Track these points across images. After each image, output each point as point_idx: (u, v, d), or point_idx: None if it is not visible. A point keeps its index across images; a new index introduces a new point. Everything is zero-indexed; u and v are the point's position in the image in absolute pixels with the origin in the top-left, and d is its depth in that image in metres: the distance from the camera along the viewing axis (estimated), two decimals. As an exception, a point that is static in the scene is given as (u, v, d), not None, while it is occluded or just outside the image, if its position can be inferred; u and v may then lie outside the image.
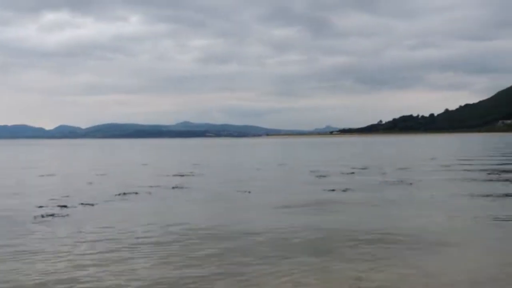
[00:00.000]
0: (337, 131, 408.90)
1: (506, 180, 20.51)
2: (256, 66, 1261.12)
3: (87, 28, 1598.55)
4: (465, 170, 26.28)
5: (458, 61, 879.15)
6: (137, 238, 10.02)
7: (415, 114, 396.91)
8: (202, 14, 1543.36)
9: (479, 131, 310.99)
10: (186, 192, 17.85)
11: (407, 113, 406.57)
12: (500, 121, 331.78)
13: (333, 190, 17.65)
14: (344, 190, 17.55)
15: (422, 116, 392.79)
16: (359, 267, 7.74)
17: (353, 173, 25.50)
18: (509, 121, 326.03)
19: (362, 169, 28.21)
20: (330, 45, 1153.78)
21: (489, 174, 23.43)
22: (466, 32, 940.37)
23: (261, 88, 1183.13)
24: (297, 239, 9.80)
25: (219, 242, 9.54)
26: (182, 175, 25.10)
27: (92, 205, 14.58)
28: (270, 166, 33.09)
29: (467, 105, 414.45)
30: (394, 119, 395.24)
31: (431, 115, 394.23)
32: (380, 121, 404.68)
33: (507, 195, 15.88)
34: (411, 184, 19.46)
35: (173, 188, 19.03)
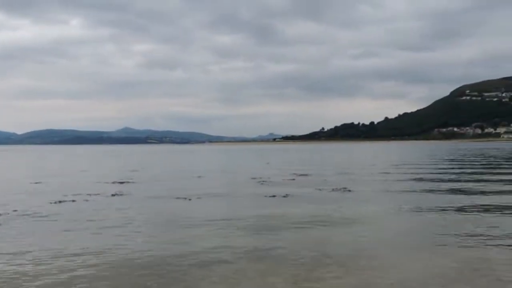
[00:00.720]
0: (280, 138, 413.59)
1: (437, 186, 21.50)
2: (201, 72, 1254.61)
3: (24, 31, 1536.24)
4: (399, 178, 27.29)
5: (398, 71, 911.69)
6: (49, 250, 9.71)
7: (356, 122, 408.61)
8: (145, 19, 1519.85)
9: (416, 139, 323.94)
10: (122, 200, 17.49)
11: (348, 121, 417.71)
12: (436, 130, 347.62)
13: (273, 196, 17.88)
14: (285, 196, 17.80)
15: (363, 124, 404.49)
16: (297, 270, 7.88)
17: (293, 179, 25.88)
18: (444, 130, 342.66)
19: (303, 175, 28.66)
20: (275, 53, 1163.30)
21: (424, 181, 24.42)
22: (406, 43, 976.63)
23: (206, 94, 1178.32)
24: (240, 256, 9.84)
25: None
26: (121, 182, 24.60)
27: (24, 215, 14.00)
28: (212, 173, 32.99)
29: (405, 114, 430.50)
30: (336, 127, 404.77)
31: (372, 123, 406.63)
32: (323, 128, 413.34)
33: (442, 208, 16.60)
34: (350, 191, 19.92)
35: (112, 195, 18.62)
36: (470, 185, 21.78)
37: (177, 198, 17.67)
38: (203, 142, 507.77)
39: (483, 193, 18.41)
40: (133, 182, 24.87)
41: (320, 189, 20.38)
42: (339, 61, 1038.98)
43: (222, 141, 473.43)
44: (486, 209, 14.34)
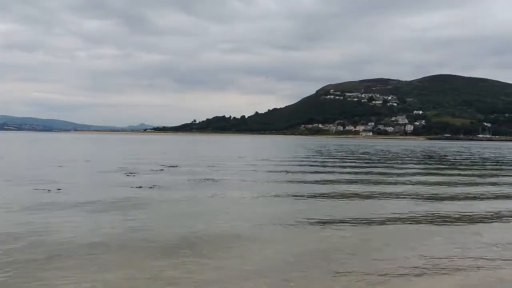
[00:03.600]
0: (151, 129, 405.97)
1: (299, 177, 22.69)
2: (66, 57, 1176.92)
3: None
4: (268, 169, 28.30)
5: (268, 68, 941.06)
6: None
7: (227, 115, 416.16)
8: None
9: (284, 133, 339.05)
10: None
11: (220, 114, 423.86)
12: (302, 126, 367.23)
13: (140, 187, 17.50)
14: (151, 187, 17.52)
15: (234, 118, 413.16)
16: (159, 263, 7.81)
17: (162, 170, 25.57)
18: (310, 126, 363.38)
19: (172, 167, 28.43)
20: (147, 42, 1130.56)
21: (287, 173, 25.54)
22: (276, 42, 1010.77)
23: (71, 81, 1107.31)
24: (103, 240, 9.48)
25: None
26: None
27: None
28: (75, 163, 31.34)
29: (275, 109, 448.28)
30: (208, 119, 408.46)
31: (243, 117, 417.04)
32: (194, 120, 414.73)
33: (297, 194, 17.53)
34: (217, 181, 20.21)
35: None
36: (330, 176, 23.23)
37: (36, 189, 16.51)
38: (68, 130, 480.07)
39: (338, 182, 19.79)
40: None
41: (188, 180, 20.40)
42: (210, 55, 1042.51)
43: (89, 130, 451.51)
44: (344, 195, 15.47)
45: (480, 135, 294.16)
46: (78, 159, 35.69)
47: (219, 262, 8.03)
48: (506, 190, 19.42)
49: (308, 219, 11.83)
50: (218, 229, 10.58)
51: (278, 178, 22.52)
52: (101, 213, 12.20)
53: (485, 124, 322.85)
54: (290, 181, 21.22)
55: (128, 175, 22.36)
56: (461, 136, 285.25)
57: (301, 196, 16.21)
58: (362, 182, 21.39)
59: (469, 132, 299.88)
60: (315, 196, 16.18)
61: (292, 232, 10.56)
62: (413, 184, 20.83)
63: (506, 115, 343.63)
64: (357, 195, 16.57)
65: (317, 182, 21.08)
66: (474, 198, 16.66)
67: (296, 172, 26.05)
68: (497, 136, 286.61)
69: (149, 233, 10.00)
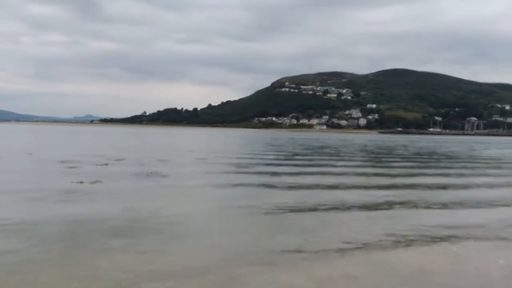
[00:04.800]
0: (98, 121, 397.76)
1: (251, 171, 22.64)
2: (9, 43, 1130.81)
3: None
4: (219, 162, 28.11)
5: (223, 59, 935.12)
6: None
7: (179, 107, 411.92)
8: None
9: (237, 126, 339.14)
10: None
11: (171, 105, 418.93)
12: (256, 118, 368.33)
13: (81, 182, 16.89)
14: (93, 182, 16.95)
15: (186, 110, 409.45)
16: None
17: (107, 164, 24.91)
18: (263, 119, 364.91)
19: (119, 160, 27.79)
20: (97, 30, 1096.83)
21: (237, 167, 25.43)
22: (231, 32, 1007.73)
23: (14, 68, 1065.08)
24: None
25: None
26: None
27: None
28: (13, 155, 30.10)
29: (228, 102, 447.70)
30: (159, 111, 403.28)
31: (195, 109, 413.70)
32: (145, 112, 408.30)
33: (245, 184, 17.45)
34: (165, 175, 19.88)
35: None
36: (280, 168, 23.32)
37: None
38: (8, 120, 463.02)
39: (280, 174, 19.89)
40: None
41: (135, 174, 19.96)
42: (163, 44, 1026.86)
43: (32, 121, 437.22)
44: (292, 187, 15.50)
45: (431, 129, 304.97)
46: (13, 151, 34.30)
47: (159, 255, 7.78)
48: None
49: (257, 208, 12.05)
50: (163, 219, 10.38)
51: (228, 170, 22.40)
52: (39, 203, 11.64)
53: (436, 118, 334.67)
54: (240, 173, 21.14)
55: (69, 169, 21.59)
56: (413, 130, 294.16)
57: (251, 186, 16.16)
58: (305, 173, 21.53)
59: (420, 126, 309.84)
60: (265, 187, 16.20)
61: (240, 224, 10.51)
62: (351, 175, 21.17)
63: (456, 109, 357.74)
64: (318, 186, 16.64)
65: (268, 173, 21.08)
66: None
67: (246, 165, 25.95)
68: (447, 130, 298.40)
69: (86, 227, 9.60)
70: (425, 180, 21.06)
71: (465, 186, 19.34)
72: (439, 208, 13.62)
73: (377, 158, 39.05)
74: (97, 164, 24.45)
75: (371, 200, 14.70)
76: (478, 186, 19.58)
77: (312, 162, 31.29)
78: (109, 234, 9.48)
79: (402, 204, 14.04)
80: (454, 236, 10.09)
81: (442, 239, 9.85)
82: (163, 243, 8.88)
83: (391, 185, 18.92)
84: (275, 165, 27.38)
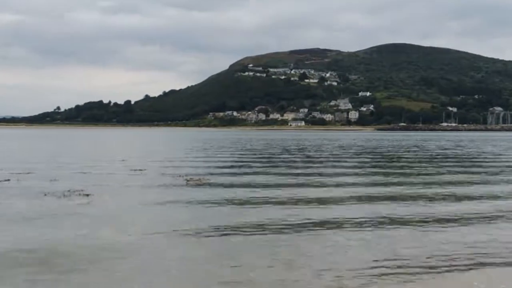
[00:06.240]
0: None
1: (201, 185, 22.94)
2: None
3: None
4: (159, 173, 28.22)
5: (164, 34, 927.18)
6: None
7: (106, 101, 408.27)
8: None
9: (186, 124, 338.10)
10: None
11: (95, 98, 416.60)
12: (211, 114, 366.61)
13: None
14: (-9, 205, 16.94)
15: (116, 104, 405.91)
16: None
17: (8, 180, 24.78)
18: (221, 114, 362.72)
19: (25, 173, 27.68)
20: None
21: (188, 180, 25.64)
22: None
23: None
24: None
25: None
26: None
27: None
28: None
29: (173, 92, 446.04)
30: (78, 106, 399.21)
31: (128, 102, 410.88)
32: (58, 108, 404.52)
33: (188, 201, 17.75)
34: (88, 195, 19.90)
35: None
36: (235, 178, 23.68)
37: None
38: None
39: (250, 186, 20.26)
40: None
41: (45, 194, 19.92)
42: (84, 16, 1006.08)
43: None
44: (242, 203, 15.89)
45: (444, 124, 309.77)
46: None
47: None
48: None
49: (198, 228, 12.62)
50: (84, 243, 10.56)
51: (172, 184, 22.60)
52: None
53: (450, 109, 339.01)
54: (187, 187, 21.39)
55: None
56: (420, 125, 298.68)
57: (195, 202, 16.54)
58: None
59: (429, 120, 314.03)
60: (209, 203, 16.59)
61: (178, 245, 10.84)
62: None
63: (476, 96, 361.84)
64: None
65: (219, 185, 21.46)
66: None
67: (198, 175, 26.21)
68: (465, 125, 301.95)
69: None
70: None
71: None
72: None
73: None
74: (-5, 180, 24.33)
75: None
76: None
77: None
78: (14, 277, 9.61)
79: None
80: None
81: None
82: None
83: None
84: (237, 174, 27.73)
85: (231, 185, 23.44)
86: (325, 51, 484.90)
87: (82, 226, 13.89)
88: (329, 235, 13.18)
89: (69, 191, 20.65)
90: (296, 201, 18.65)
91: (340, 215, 15.80)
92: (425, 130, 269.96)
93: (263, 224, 14.35)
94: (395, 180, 26.60)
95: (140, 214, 16.05)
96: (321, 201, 18.75)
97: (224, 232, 13.31)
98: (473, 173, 31.12)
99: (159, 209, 16.99)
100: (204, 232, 13.28)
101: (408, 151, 58.62)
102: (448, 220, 15.18)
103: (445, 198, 19.82)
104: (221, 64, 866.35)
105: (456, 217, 15.64)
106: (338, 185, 24.20)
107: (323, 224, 14.48)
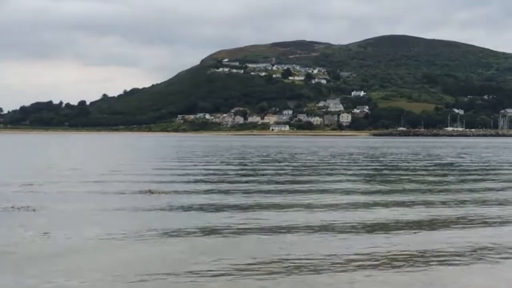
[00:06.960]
0: None
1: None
2: None
3: None
4: (120, 188, 27.95)
5: (127, 23, 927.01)
6: None
7: (57, 101, 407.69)
8: None
9: (151, 129, 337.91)
10: None
11: (44, 98, 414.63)
12: (180, 116, 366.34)
13: None
14: None
15: (68, 105, 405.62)
16: None
17: None
18: (191, 117, 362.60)
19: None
20: None
21: (151, 194, 25.44)
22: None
23: None
24: None
25: None
26: None
27: None
28: None
29: (135, 91, 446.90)
30: (24, 108, 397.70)
31: (82, 103, 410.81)
32: (0, 109, 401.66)
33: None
34: (37, 210, 19.66)
35: None
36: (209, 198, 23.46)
37: None
38: None
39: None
40: None
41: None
42: (30, 1, 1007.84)
43: None
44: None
45: (449, 128, 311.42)
46: None
47: None
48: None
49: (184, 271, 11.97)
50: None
51: (136, 204, 22.29)
52: None
53: (456, 111, 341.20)
54: (155, 207, 21.11)
55: None
56: (421, 129, 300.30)
57: (173, 230, 16.19)
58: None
59: (433, 124, 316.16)
60: (192, 232, 16.24)
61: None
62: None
63: (485, 97, 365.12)
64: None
65: (190, 207, 21.25)
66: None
67: (167, 193, 25.99)
68: (473, 130, 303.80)
69: None
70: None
71: None
72: None
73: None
74: None
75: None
76: None
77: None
78: None
79: None
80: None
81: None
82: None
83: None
84: (210, 192, 27.58)
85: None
86: (312, 43, 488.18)
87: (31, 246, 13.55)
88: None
89: (15, 207, 20.42)
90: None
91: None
92: (427, 135, 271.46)
93: None
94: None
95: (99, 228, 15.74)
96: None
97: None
98: None
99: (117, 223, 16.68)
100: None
101: (434, 165, 58.62)
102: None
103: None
104: (192, 58, 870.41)
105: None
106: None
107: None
